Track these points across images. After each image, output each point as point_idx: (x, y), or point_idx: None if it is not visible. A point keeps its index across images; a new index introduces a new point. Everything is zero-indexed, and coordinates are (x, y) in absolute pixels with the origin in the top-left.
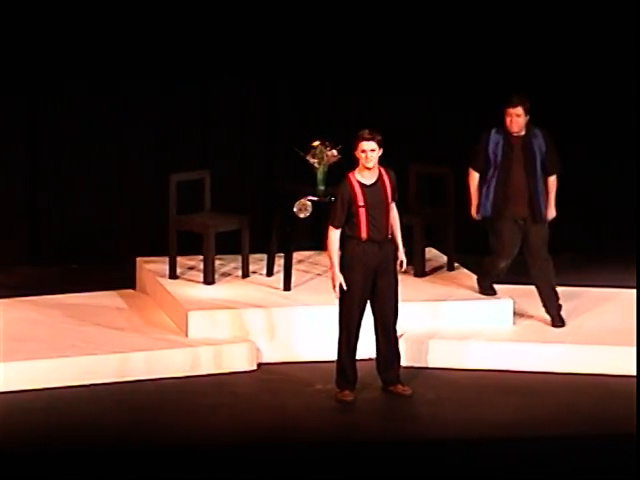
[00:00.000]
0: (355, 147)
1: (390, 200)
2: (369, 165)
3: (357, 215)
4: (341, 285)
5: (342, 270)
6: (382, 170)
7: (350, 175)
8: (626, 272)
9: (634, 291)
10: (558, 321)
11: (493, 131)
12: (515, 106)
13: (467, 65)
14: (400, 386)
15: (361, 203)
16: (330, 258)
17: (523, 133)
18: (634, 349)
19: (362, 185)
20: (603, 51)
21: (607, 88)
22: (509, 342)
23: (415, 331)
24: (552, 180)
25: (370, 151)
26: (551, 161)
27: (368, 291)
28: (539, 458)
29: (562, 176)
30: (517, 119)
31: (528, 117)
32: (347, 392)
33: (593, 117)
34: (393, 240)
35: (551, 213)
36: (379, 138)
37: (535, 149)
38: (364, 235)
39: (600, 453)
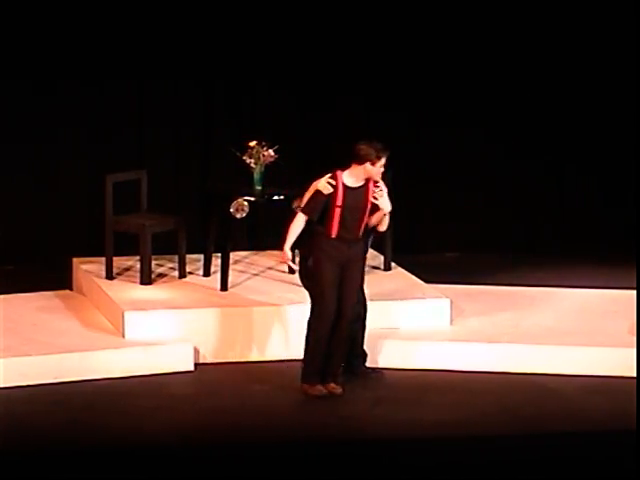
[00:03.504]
0: (373, 159)
1: (369, 205)
2: (378, 178)
3: (332, 214)
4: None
5: (311, 265)
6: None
7: (338, 173)
8: (561, 271)
9: (574, 290)
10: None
11: None
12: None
13: (401, 65)
14: (333, 384)
15: (339, 203)
16: (287, 236)
17: None
18: (569, 348)
19: (346, 187)
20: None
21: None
22: (447, 342)
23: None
24: None
25: (381, 166)
26: None
27: (337, 283)
28: (476, 457)
29: (502, 177)
30: None
31: None
32: (320, 387)
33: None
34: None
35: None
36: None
37: None
38: (333, 234)
39: (537, 452)
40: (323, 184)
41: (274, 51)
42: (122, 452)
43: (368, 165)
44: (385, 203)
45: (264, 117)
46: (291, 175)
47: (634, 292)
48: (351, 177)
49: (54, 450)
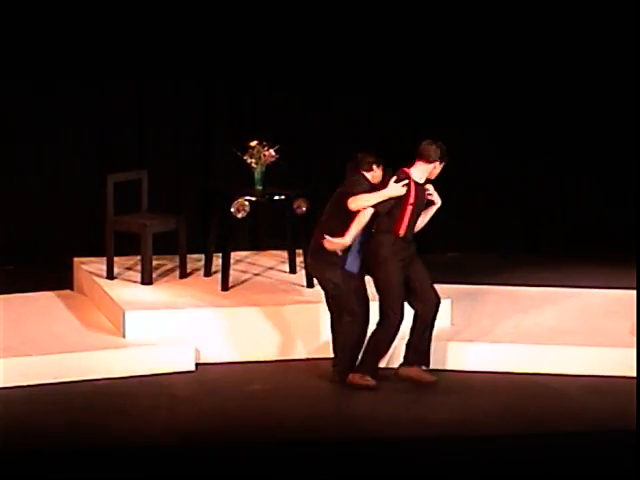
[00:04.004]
0: (436, 159)
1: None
2: (433, 178)
3: (403, 212)
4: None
5: (376, 266)
6: None
7: (407, 170)
8: (561, 271)
9: (574, 290)
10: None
11: None
12: None
13: (403, 65)
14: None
15: (412, 201)
16: (352, 226)
17: None
18: (570, 348)
19: (416, 184)
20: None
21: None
22: (447, 342)
23: None
24: None
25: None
26: None
27: (403, 282)
28: (478, 457)
29: (502, 177)
30: None
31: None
32: (370, 377)
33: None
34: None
35: None
36: None
37: None
38: (402, 232)
39: (539, 451)
40: (398, 189)
41: (275, 51)
42: (122, 452)
43: (437, 165)
44: (437, 197)
45: (265, 117)
46: (292, 175)
47: (634, 292)
48: (418, 174)
49: (54, 450)
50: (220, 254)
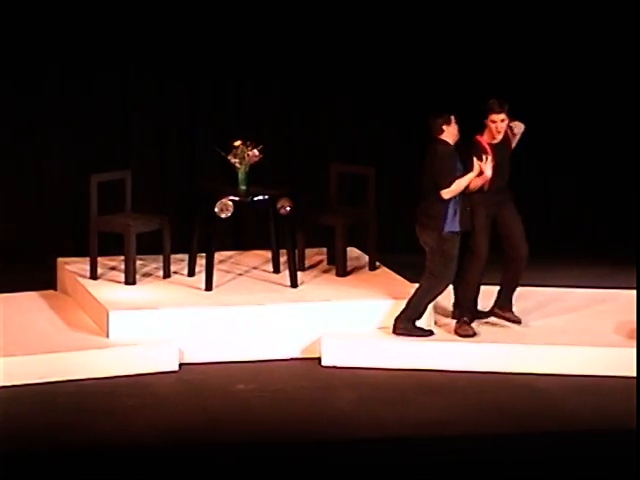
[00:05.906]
0: (486, 116)
1: (511, 150)
2: (499, 137)
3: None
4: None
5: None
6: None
7: (480, 139)
8: (561, 271)
9: (574, 290)
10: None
11: None
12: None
13: (388, 65)
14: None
15: (493, 163)
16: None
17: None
18: (555, 347)
19: (491, 145)
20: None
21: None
22: (430, 341)
23: (336, 330)
24: None
25: (500, 122)
26: None
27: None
28: (461, 457)
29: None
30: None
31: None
32: (469, 327)
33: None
34: None
35: None
36: (507, 107)
37: None
38: (487, 187)
39: (522, 452)
40: (478, 169)
41: (259, 51)
42: (106, 452)
43: (487, 122)
44: (519, 127)
45: (249, 117)
46: (276, 175)
47: (634, 292)
48: (488, 137)
49: (38, 450)
50: (204, 254)
